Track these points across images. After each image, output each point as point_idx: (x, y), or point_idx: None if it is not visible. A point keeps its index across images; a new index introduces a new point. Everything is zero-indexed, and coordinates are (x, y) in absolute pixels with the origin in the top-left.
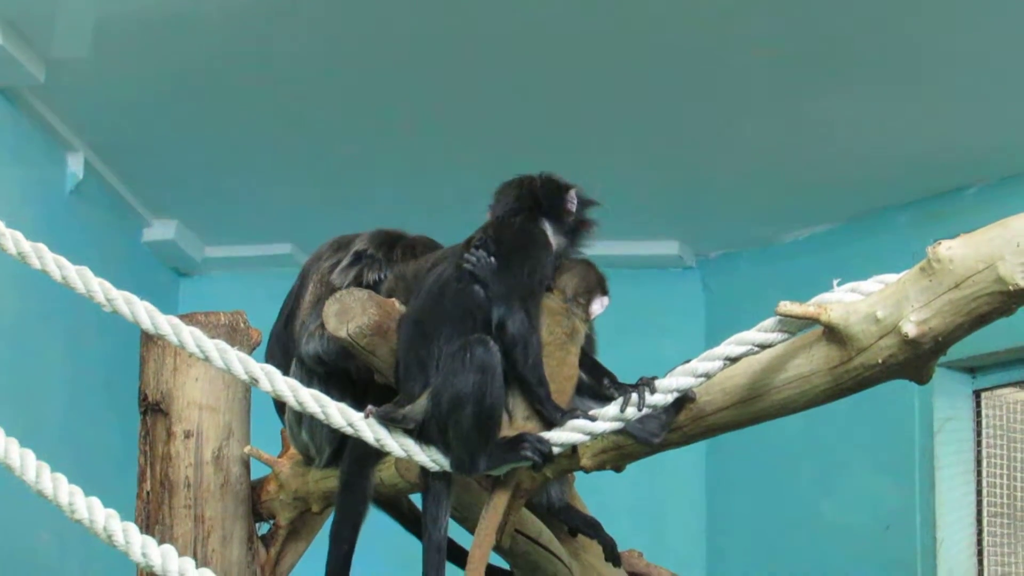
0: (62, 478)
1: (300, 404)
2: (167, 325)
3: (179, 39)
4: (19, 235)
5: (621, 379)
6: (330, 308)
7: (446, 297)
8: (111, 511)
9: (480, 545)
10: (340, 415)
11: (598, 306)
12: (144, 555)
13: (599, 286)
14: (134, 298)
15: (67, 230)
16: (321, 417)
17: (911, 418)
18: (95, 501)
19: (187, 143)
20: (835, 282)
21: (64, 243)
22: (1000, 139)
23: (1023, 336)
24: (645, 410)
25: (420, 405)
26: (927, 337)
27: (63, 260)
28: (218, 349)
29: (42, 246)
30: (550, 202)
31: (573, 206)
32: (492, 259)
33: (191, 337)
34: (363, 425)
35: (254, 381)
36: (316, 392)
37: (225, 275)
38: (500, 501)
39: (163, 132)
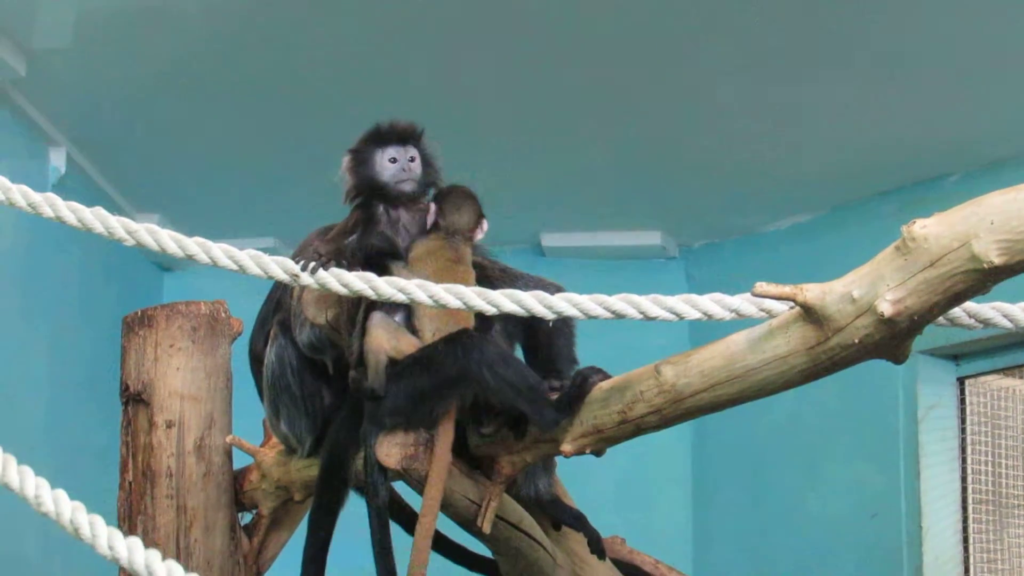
0: (28, 470)
1: (346, 286)
2: (195, 246)
3: (162, 31)
4: (26, 188)
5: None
6: (308, 296)
7: None
8: (77, 503)
9: (425, 516)
10: (389, 286)
11: (479, 232)
12: (111, 548)
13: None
14: (155, 227)
15: (50, 225)
16: (371, 295)
17: (895, 406)
18: (61, 493)
19: (170, 137)
20: None
21: (47, 238)
22: (982, 126)
23: None
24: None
25: None
26: (903, 316)
27: (76, 204)
28: (251, 256)
29: (53, 195)
30: None
31: None
32: None
33: (221, 252)
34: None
35: (295, 278)
36: (363, 273)
37: (208, 269)
38: (438, 475)
39: (146, 126)
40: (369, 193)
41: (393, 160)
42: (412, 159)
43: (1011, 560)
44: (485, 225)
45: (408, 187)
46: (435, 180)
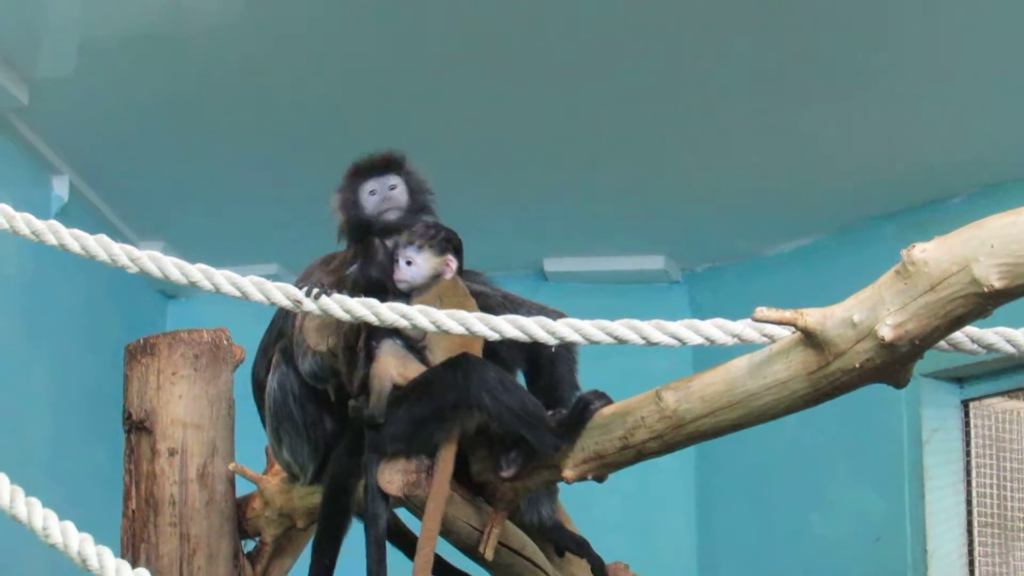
0: (36, 502)
1: (348, 311)
2: (198, 273)
3: (163, 59)
4: (30, 216)
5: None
6: (310, 323)
7: None
8: (85, 535)
9: (423, 547)
10: (391, 312)
11: (448, 272)
12: None
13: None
14: (158, 254)
15: (54, 253)
16: (374, 320)
17: (899, 429)
18: (69, 525)
19: (173, 164)
20: None
21: (51, 265)
22: (985, 148)
23: None
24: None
25: None
26: (904, 340)
27: (79, 232)
28: (254, 283)
29: (56, 223)
30: None
31: None
32: None
33: (224, 279)
34: (416, 314)
35: (298, 304)
36: (366, 299)
37: (212, 296)
38: (436, 504)
39: (148, 153)
40: (359, 228)
41: (372, 192)
42: (393, 187)
43: None
44: (453, 263)
45: (392, 216)
46: (425, 205)
